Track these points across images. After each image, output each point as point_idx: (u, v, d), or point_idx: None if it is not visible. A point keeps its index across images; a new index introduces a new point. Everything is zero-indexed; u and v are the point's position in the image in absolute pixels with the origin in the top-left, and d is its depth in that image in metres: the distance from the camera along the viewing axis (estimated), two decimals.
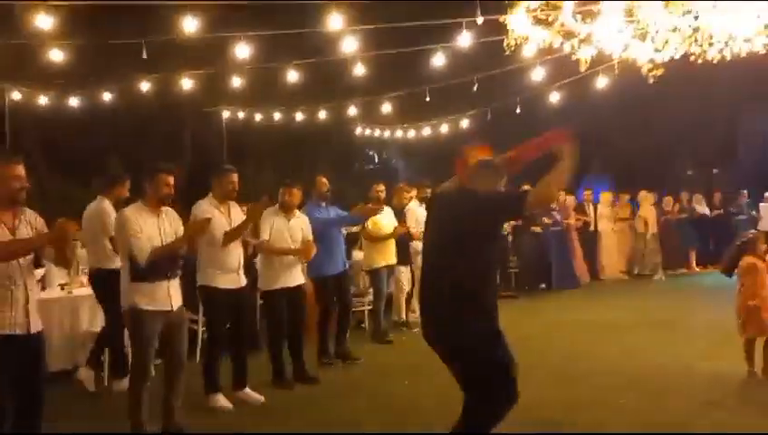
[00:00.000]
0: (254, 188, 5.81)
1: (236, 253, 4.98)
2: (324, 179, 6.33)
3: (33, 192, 3.56)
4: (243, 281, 5.06)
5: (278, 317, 5.51)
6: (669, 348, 6.45)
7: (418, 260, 7.83)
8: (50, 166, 15.03)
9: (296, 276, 5.61)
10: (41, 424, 3.43)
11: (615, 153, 17.93)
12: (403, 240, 7.36)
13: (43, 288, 5.74)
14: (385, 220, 7.11)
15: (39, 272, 4.94)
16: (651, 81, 6.28)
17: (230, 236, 4.85)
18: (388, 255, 7.13)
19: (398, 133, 15.35)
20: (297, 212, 5.68)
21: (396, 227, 7.13)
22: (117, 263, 4.68)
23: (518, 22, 5.73)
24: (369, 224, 6.99)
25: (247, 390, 5.11)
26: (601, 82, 8.71)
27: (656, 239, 11.82)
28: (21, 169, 3.34)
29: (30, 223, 3.45)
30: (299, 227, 5.61)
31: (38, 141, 15.90)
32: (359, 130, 16.52)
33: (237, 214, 5.05)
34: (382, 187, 7.28)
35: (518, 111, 11.18)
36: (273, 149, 18.24)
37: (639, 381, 5.35)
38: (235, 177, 5.02)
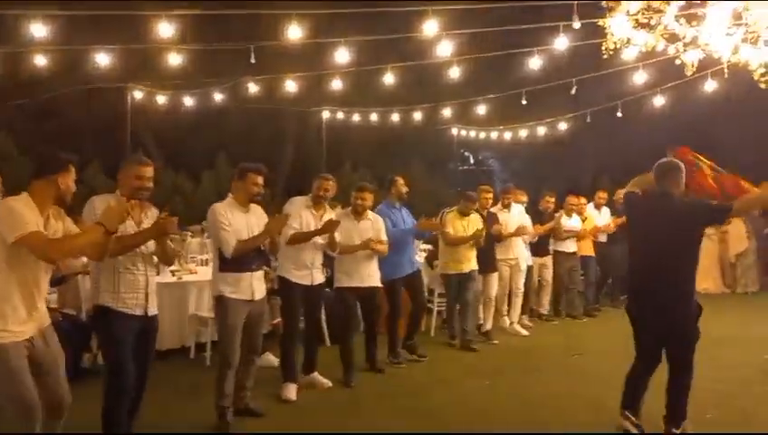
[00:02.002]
0: (350, 187, 5.95)
1: (309, 252, 5.12)
2: (403, 181, 6.37)
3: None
4: (317, 279, 5.18)
5: (347, 314, 5.61)
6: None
7: (502, 267, 7.29)
8: (164, 161, 16.18)
9: (369, 278, 5.61)
10: (141, 398, 3.81)
11: (723, 161, 16.78)
12: (486, 249, 6.93)
13: (157, 273, 6.22)
14: (467, 224, 6.79)
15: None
16: (764, 86, 5.99)
17: (296, 238, 5.05)
18: (464, 262, 6.75)
19: (494, 135, 15.26)
20: (369, 214, 5.75)
21: (477, 230, 6.63)
22: None
23: (618, 25, 5.63)
24: (450, 228, 6.75)
25: (316, 374, 5.31)
26: (709, 86, 8.33)
27: (749, 255, 10.91)
28: (146, 171, 3.67)
29: (151, 220, 3.76)
30: (368, 228, 5.66)
31: (154, 137, 17.22)
32: (454, 131, 16.57)
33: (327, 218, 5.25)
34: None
35: (619, 114, 10.87)
36: (370, 148, 18.62)
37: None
38: (329, 184, 5.26)
